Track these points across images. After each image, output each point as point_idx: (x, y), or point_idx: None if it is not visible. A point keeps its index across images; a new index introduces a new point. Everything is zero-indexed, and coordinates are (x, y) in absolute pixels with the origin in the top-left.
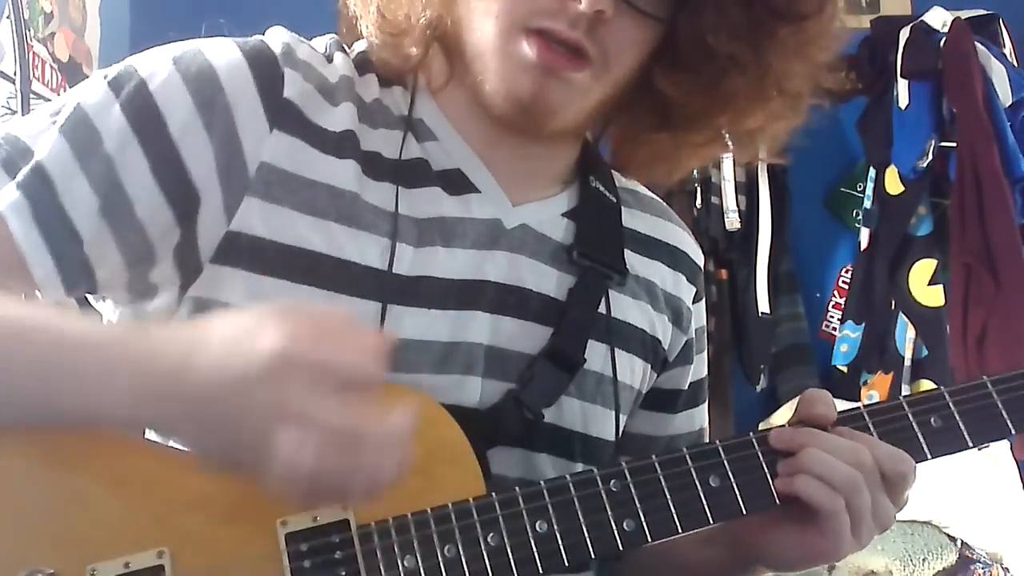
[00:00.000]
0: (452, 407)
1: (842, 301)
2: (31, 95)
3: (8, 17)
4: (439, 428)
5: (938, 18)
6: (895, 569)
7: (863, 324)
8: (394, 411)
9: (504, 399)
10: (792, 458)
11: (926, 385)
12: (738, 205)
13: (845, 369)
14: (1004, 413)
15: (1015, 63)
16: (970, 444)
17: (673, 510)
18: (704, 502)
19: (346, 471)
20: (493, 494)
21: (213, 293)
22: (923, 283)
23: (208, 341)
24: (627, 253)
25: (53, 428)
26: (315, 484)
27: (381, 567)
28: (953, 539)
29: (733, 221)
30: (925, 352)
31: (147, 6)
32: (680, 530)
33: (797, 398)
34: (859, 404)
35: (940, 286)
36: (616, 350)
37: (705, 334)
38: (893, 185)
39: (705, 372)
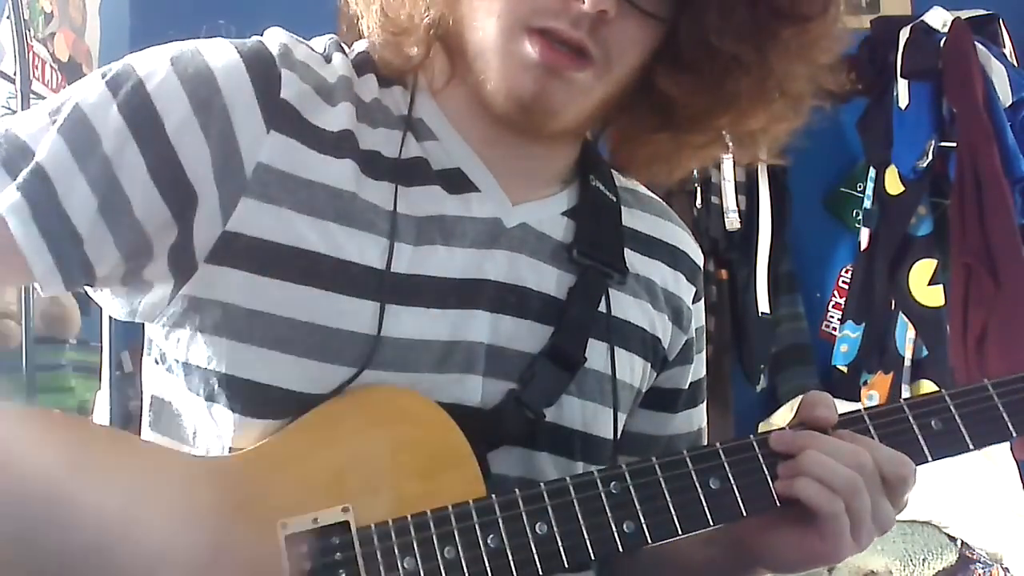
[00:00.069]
0: (454, 406)
1: (842, 301)
2: (31, 95)
3: (8, 17)
4: (439, 431)
5: (938, 18)
6: (895, 569)
7: (863, 324)
8: None
9: (506, 399)
10: (792, 460)
11: (926, 385)
12: (738, 205)
13: (845, 369)
14: (1005, 416)
15: (1015, 63)
16: (971, 447)
17: (673, 512)
18: (704, 504)
19: None
20: (493, 496)
21: (207, 293)
22: (923, 283)
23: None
24: (627, 252)
25: None
26: None
27: (381, 569)
28: (953, 539)
29: (733, 221)
30: (925, 352)
31: (147, 6)
32: (680, 532)
33: (797, 398)
34: (860, 407)
35: (940, 286)
36: (616, 349)
37: (704, 334)
38: (893, 185)
39: (704, 372)
